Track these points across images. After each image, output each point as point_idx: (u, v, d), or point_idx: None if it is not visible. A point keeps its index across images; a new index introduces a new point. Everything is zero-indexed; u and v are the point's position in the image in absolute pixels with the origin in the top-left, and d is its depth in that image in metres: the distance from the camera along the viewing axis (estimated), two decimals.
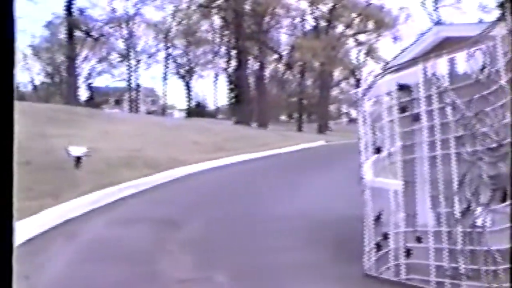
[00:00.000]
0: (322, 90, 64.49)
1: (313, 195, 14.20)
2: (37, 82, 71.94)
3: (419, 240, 6.84)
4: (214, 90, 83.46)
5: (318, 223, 10.51)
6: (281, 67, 72.58)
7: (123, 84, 71.25)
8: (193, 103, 79.89)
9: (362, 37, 68.48)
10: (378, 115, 7.66)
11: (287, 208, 12.19)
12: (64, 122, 30.82)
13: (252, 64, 67.54)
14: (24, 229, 8.77)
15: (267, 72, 69.04)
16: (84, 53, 64.88)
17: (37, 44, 65.67)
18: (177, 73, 76.22)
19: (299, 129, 61.92)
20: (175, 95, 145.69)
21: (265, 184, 16.98)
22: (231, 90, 67.90)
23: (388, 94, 7.46)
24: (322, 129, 60.11)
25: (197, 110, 74.36)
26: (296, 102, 68.96)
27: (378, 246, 7.35)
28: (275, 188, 15.56)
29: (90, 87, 73.28)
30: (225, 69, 72.72)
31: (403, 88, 7.14)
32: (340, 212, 10.98)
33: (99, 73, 70.29)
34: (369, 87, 7.82)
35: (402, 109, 7.15)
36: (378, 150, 7.57)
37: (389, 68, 8.35)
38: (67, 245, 8.65)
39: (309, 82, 69.49)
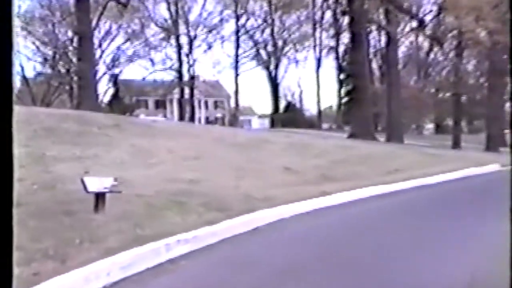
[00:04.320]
0: (494, 78, 63.24)
1: (485, 261, 13.80)
2: (30, 73, 71.79)
3: None
4: (315, 83, 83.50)
5: None
6: (423, 41, 72.11)
7: (170, 75, 71.74)
8: (281, 105, 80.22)
9: None
10: None
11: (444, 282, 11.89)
12: (76, 137, 31.48)
13: (377, 39, 67.37)
14: None
15: (400, 52, 68.60)
16: (105, 25, 65.34)
17: (27, 12, 65.04)
18: (256, 56, 76.62)
19: (456, 144, 61.28)
20: (252, 92, 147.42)
21: (404, 238, 16.64)
22: (343, 82, 67.99)
23: None
24: (494, 143, 59.01)
25: (287, 116, 74.84)
26: (449, 99, 68.29)
27: None
28: (422, 248, 15.19)
29: (115, 81, 73.88)
30: (333, 49, 72.83)
31: None
32: None
33: (130, 59, 70.60)
34: None
35: None
36: None
37: None
38: None
39: (470, 65, 68.59)
